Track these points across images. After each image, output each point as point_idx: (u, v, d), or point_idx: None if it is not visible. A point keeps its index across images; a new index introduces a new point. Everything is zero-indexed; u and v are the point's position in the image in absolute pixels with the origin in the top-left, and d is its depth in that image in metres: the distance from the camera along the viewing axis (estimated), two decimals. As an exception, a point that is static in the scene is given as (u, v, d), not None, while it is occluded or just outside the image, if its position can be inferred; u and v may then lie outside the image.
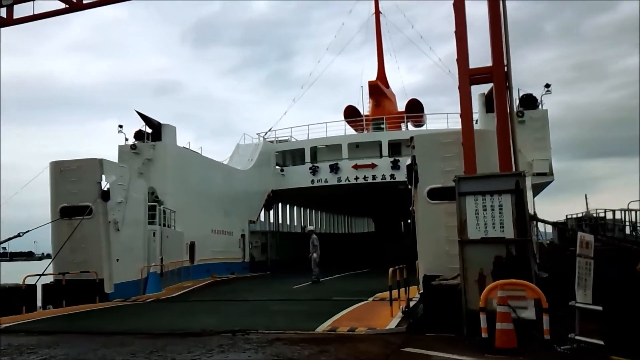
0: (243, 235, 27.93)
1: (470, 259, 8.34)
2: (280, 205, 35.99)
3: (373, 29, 40.43)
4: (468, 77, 10.08)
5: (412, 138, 12.45)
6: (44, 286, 14.11)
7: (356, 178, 29.85)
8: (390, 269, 9.97)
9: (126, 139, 21.08)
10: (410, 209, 12.68)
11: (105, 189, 14.52)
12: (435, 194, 11.95)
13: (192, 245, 22.12)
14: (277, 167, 32.10)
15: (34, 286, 12.62)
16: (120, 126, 20.80)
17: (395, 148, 30.39)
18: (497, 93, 9.93)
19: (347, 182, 29.98)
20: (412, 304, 10.23)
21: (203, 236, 23.24)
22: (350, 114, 36.43)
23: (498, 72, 9.87)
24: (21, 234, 13.24)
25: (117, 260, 14.64)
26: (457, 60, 10.23)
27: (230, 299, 14.40)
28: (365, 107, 37.84)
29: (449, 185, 9.61)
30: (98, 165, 14.29)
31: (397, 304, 9.89)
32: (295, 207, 40.14)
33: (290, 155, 32.44)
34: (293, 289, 16.62)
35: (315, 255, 21.49)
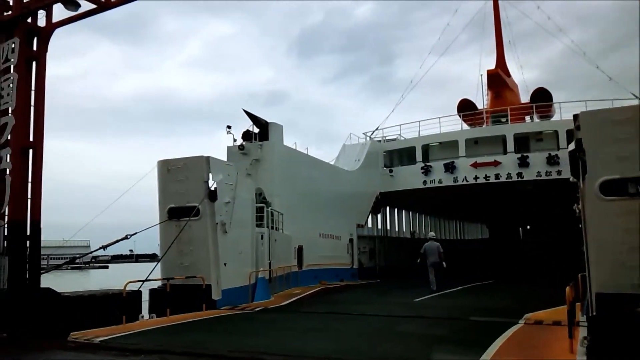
0: (351, 240, 26.29)
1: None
2: (387, 208, 33.86)
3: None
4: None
5: (576, 116, 9.70)
6: (151, 291, 13.58)
7: (475, 178, 26.75)
8: (568, 287, 7.49)
9: (234, 140, 20.54)
10: (574, 207, 9.95)
11: (213, 188, 13.66)
12: (611, 188, 9.15)
13: (299, 250, 20.94)
14: (385, 167, 30.08)
15: (139, 292, 11.97)
16: (229, 127, 20.26)
17: (522, 143, 26.76)
18: None
19: (464, 182, 27.01)
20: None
21: (311, 240, 21.98)
22: (465, 108, 33.12)
23: None
24: (128, 236, 12.77)
25: (225, 264, 13.67)
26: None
27: (345, 312, 12.70)
28: (482, 100, 34.38)
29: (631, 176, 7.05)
30: (205, 163, 13.47)
31: (565, 330, 7.35)
32: (403, 211, 37.70)
33: (400, 155, 30.19)
34: (416, 303, 14.46)
35: (442, 263, 18.93)
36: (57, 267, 15.64)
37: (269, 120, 20.24)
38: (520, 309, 11.38)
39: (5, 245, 9.82)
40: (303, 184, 21.81)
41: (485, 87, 34.06)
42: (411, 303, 14.41)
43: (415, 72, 33.19)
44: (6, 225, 9.80)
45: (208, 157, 13.54)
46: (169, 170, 13.86)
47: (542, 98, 30.30)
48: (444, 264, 18.80)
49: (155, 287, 13.75)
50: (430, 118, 29.01)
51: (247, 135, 20.61)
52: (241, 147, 20.13)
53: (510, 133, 26.45)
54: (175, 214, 13.72)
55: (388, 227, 34.45)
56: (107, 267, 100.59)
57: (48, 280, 11.60)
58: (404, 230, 38.34)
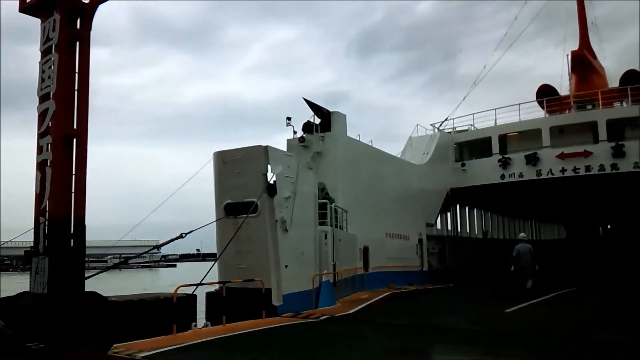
0: (420, 240, 24.17)
1: None
2: (457, 206, 31.27)
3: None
4: None
5: None
6: (208, 295, 12.37)
7: (562, 170, 23.77)
8: None
9: (294, 133, 19.15)
10: None
11: (272, 182, 12.25)
12: None
13: (365, 250, 19.19)
14: (457, 161, 27.62)
15: (193, 297, 10.75)
16: (289, 118, 18.86)
17: (616, 130, 23.44)
18: None
19: (549, 175, 24.09)
20: None
21: (377, 240, 20.17)
22: (546, 94, 29.85)
23: None
24: (184, 235, 11.62)
25: (286, 266, 12.21)
26: None
27: (427, 326, 10.81)
28: (561, 87, 30.91)
29: None
30: (263, 153, 12.07)
31: None
32: (475, 210, 34.86)
33: (473, 147, 27.58)
34: (508, 315, 12.26)
35: (513, 267, 17.01)
36: (114, 267, 14.85)
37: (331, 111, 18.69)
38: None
39: (46, 244, 8.84)
40: (368, 179, 20.05)
41: (569, 70, 30.57)
42: (502, 315, 12.23)
43: (480, 68, 29.94)
44: (46, 223, 8.83)
45: (267, 147, 12.14)
46: (225, 162, 12.60)
47: (633, 81, 26.53)
48: (537, 267, 16.88)
49: (213, 290, 12.57)
50: (508, 105, 26.11)
51: (308, 127, 19.16)
52: (301, 139, 18.69)
53: (603, 119, 23.22)
54: (232, 210, 12.44)
55: (458, 227, 31.91)
56: (174, 266, 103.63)
57: (115, 280, 10.66)
58: (475, 230, 35.51)
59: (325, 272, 14.09)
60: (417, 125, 28.03)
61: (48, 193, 8.93)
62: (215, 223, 12.72)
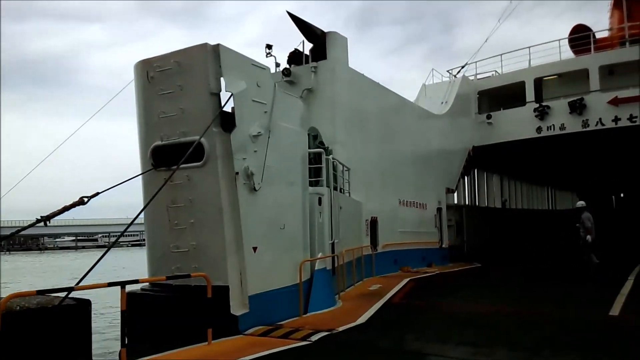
0: (439, 210, 19.37)
1: None
2: (476, 170, 26.39)
3: None
4: None
5: None
6: (129, 298, 7.55)
7: (615, 119, 18.85)
8: None
9: (277, 65, 14.05)
10: None
11: (228, 107, 7.29)
12: None
13: (373, 223, 14.43)
14: (480, 114, 22.63)
15: (83, 304, 5.56)
16: (269, 47, 13.72)
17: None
18: None
19: (599, 127, 19.18)
20: None
21: (388, 210, 15.37)
22: (580, 38, 24.66)
23: None
24: (85, 200, 6.54)
25: (255, 249, 7.34)
26: None
27: (498, 344, 6.07)
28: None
29: None
30: (210, 57, 7.02)
31: None
32: (493, 175, 29.99)
33: (501, 96, 22.39)
34: (618, 321, 7.50)
35: (589, 238, 13.37)
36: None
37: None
38: None
39: None
40: (377, 128, 15.09)
41: (610, 8, 25.28)
42: (608, 320, 7.49)
43: (479, 40, 24.32)
44: None
45: (217, 46, 7.08)
46: (152, 77, 7.54)
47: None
48: (589, 237, 13.42)
49: (139, 288, 7.71)
50: (545, 42, 20.91)
51: (295, 58, 14.06)
52: (286, 72, 13.62)
53: (670, 53, 18.15)
54: (163, 157, 7.48)
55: (476, 195, 27.14)
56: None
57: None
58: (494, 199, 30.73)
59: (319, 255, 9.25)
60: (433, 70, 22.94)
61: None
62: (140, 178, 7.76)
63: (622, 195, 52.76)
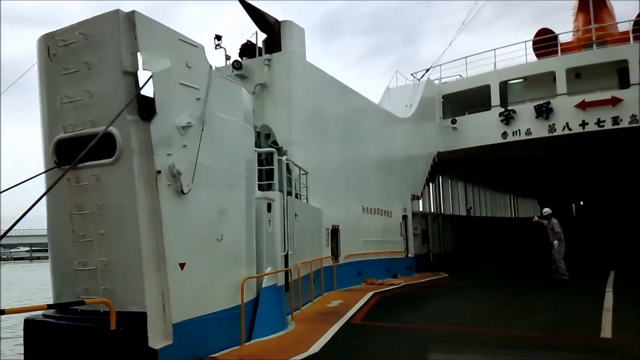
0: (405, 217, 18.37)
1: None
2: (441, 177, 25.66)
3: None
4: None
5: None
6: (27, 326, 6.02)
7: (583, 124, 18.43)
8: None
9: (227, 58, 12.75)
10: None
11: (151, 93, 5.91)
12: None
13: (334, 232, 13.23)
14: (445, 118, 21.91)
15: None
16: (218, 37, 12.41)
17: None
18: None
19: (566, 131, 18.72)
20: None
21: (351, 218, 14.22)
22: (544, 41, 24.46)
23: None
24: None
25: (181, 265, 5.94)
26: None
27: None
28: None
29: None
30: (123, 26, 5.65)
31: None
32: (458, 182, 29.40)
33: (466, 99, 21.75)
34: (615, 346, 6.48)
35: (556, 244, 13.07)
36: None
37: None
38: None
39: None
40: (338, 131, 13.96)
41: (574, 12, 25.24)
42: (601, 343, 6.47)
43: (440, 52, 23.55)
44: None
45: (133, 13, 5.70)
46: (54, 55, 6.08)
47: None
48: (557, 244, 13.25)
49: (41, 314, 6.18)
50: (511, 44, 20.38)
51: (248, 50, 12.79)
52: (236, 64, 12.33)
53: (635, 57, 17.87)
54: (69, 153, 6.00)
55: (441, 202, 26.40)
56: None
57: None
58: (459, 206, 30.13)
59: (268, 270, 7.91)
60: (397, 72, 22.20)
61: None
62: (43, 178, 6.26)
63: (581, 203, 53.68)
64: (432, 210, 23.71)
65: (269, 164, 9.16)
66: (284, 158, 9.63)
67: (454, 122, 21.25)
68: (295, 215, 9.78)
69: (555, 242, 12.86)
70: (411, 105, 19.97)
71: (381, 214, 16.10)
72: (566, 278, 12.63)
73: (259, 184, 8.64)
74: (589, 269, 17.63)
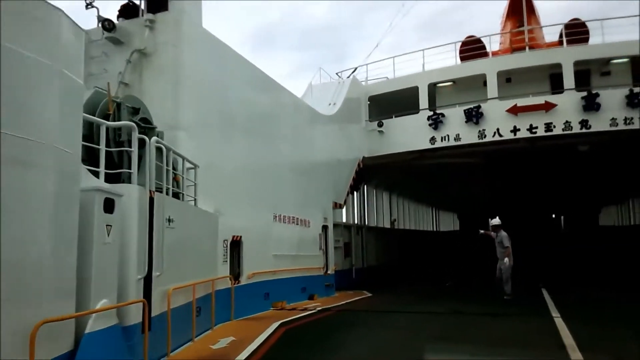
0: (325, 228, 16.05)
1: None
2: (366, 186, 23.83)
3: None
4: None
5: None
6: None
7: (514, 130, 17.32)
8: None
9: (100, 19, 9.75)
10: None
11: None
12: None
13: (235, 245, 10.55)
14: (371, 121, 20.09)
15: None
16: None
17: (582, 78, 17.67)
18: None
19: (497, 137, 17.52)
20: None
21: (259, 227, 11.60)
22: (471, 50, 23.60)
23: None
24: None
25: None
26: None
27: None
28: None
29: None
30: None
31: None
32: (384, 192, 27.77)
33: (393, 101, 20.05)
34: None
35: (507, 261, 11.73)
36: None
37: None
38: None
39: None
40: (246, 120, 11.36)
41: (503, 17, 24.68)
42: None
43: (367, 70, 21.66)
44: None
45: None
46: None
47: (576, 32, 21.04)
48: (507, 260, 12.06)
49: None
50: (439, 45, 19.05)
51: (128, 11, 9.91)
52: (108, 24, 9.40)
53: (570, 61, 17.08)
54: None
55: (366, 213, 24.53)
56: None
57: None
58: (383, 218, 28.51)
59: (101, 305, 5.08)
60: (320, 69, 20.22)
61: None
62: None
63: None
64: (356, 222, 21.72)
65: (128, 146, 6.37)
66: (153, 140, 6.84)
67: (380, 124, 19.47)
68: (169, 220, 7.01)
69: (506, 259, 11.16)
70: (335, 103, 17.88)
71: (297, 223, 13.64)
72: (510, 298, 10.93)
73: (107, 173, 5.83)
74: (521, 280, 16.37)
